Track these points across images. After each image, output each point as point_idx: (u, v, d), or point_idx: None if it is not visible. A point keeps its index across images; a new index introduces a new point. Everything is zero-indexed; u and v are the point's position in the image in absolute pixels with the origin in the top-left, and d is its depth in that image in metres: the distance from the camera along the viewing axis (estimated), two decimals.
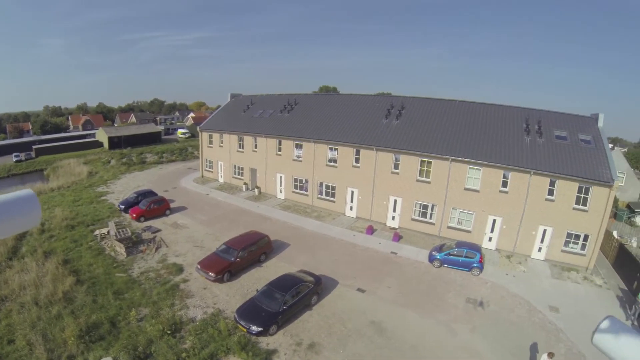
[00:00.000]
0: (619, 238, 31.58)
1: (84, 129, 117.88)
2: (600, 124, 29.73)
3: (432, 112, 34.76)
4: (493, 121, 31.86)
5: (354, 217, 35.54)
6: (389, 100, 38.74)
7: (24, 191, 2.82)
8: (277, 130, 40.27)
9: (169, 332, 17.81)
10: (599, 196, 25.60)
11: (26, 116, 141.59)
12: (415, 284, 23.75)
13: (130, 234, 28.37)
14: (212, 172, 48.93)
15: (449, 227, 30.94)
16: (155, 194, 37.04)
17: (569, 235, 26.92)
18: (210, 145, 47.88)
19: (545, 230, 27.52)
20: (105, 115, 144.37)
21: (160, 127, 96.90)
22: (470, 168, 29.25)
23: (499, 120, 31.89)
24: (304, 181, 38.68)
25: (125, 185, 45.82)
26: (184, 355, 16.33)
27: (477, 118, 32.60)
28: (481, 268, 25.18)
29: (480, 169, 28.89)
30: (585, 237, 26.46)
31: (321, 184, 37.35)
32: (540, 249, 27.92)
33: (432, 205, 31.38)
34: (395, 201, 33.06)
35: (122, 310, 19.67)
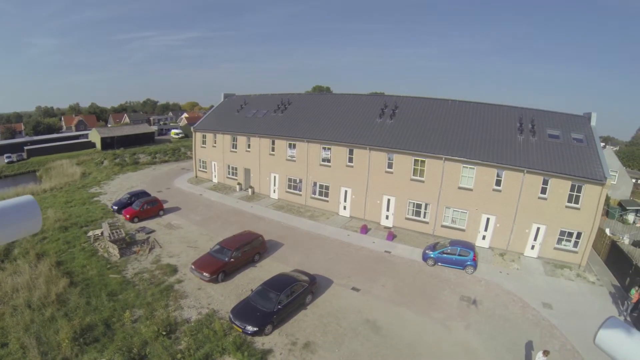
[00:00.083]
0: (611, 235, 31.94)
1: (76, 130, 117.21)
2: (593, 122, 29.98)
3: (426, 112, 34.88)
4: (486, 120, 32.02)
5: (348, 216, 35.59)
6: (382, 100, 38.82)
7: (24, 197, 2.81)
8: (270, 130, 40.23)
9: (163, 333, 17.73)
10: (591, 194, 25.82)
11: (18, 117, 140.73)
12: (410, 283, 23.83)
13: (123, 235, 28.22)
14: (205, 172, 48.78)
15: (442, 226, 31.07)
16: (149, 195, 36.86)
17: (562, 233, 27.14)
18: (204, 145, 47.72)
19: (538, 228, 27.72)
20: (98, 115, 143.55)
21: (154, 128, 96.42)
22: (464, 167, 29.38)
23: (493, 119, 32.05)
24: (297, 181, 38.67)
25: (119, 186, 45.54)
26: (179, 356, 16.27)
27: (470, 117, 32.74)
28: (475, 266, 25.32)
29: (474, 168, 29.03)
30: (578, 235, 26.69)
31: (315, 184, 37.36)
32: (533, 247, 28.12)
33: (426, 204, 31.49)
34: (389, 200, 33.14)
35: (116, 312, 19.54)
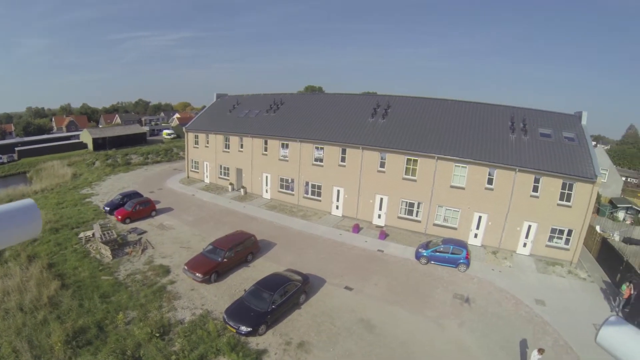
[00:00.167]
0: (601, 232, 32.27)
1: (68, 131, 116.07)
2: (584, 121, 30.26)
3: (419, 111, 35.00)
4: (479, 119, 32.21)
5: (340, 215, 35.63)
6: (375, 99, 38.91)
7: (25, 201, 2.79)
8: (263, 130, 40.16)
9: (157, 334, 17.62)
10: (582, 192, 26.09)
11: (8, 117, 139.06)
12: (403, 281, 23.91)
13: (115, 236, 28.03)
14: (197, 172, 48.57)
15: (435, 225, 31.20)
16: (141, 195, 36.63)
17: (554, 231, 27.39)
18: (196, 145, 47.52)
19: (530, 226, 27.94)
20: (90, 116, 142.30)
21: (146, 128, 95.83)
22: (456, 166, 29.53)
23: (485, 118, 32.25)
24: (290, 181, 38.64)
25: (110, 187, 45.22)
26: (173, 357, 16.19)
27: (463, 116, 32.92)
28: (467, 264, 25.46)
29: (466, 167, 29.18)
30: (569, 232, 26.95)
31: (307, 184, 37.36)
32: (525, 245, 28.34)
33: (418, 203, 31.60)
34: (382, 199, 33.22)
35: (109, 314, 19.39)
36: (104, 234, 27.95)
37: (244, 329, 17.63)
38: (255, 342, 17.63)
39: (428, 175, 30.57)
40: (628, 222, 40.28)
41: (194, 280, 22.64)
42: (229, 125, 43.84)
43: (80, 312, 19.63)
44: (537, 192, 27.38)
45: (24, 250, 26.49)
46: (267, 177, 40.39)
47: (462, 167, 29.34)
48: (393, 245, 29.28)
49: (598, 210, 40.42)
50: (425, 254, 26.19)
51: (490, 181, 28.63)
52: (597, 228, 33.19)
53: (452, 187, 29.94)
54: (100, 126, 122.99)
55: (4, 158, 67.68)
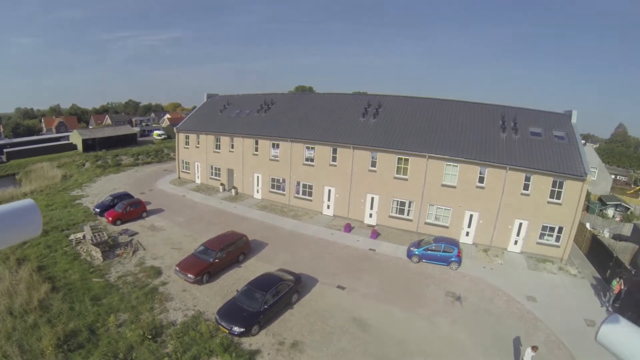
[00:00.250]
0: (591, 229, 32.64)
1: (57, 132, 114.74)
2: (574, 120, 30.58)
3: (410, 110, 35.12)
4: (470, 119, 32.40)
5: (332, 215, 35.64)
6: (366, 99, 39.00)
7: (25, 201, 2.78)
8: (254, 130, 40.05)
9: (149, 336, 17.46)
10: (572, 190, 26.37)
11: None
12: (395, 280, 23.98)
13: (106, 237, 27.75)
14: (188, 173, 48.31)
15: (426, 223, 31.33)
16: (132, 197, 36.32)
17: (544, 228, 27.65)
18: (187, 146, 47.26)
19: (521, 224, 28.17)
20: (80, 117, 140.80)
21: (136, 129, 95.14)
22: (447, 165, 29.67)
23: (476, 117, 32.45)
24: (281, 181, 38.58)
25: (101, 188, 44.81)
26: (166, 359, 16.10)
27: (454, 116, 33.10)
28: (459, 262, 25.60)
29: (457, 166, 29.34)
30: (560, 229, 27.22)
31: (298, 183, 37.34)
32: (516, 242, 28.57)
33: (410, 202, 31.70)
34: (373, 199, 33.29)
35: (100, 317, 19.18)
36: (95, 236, 27.66)
37: (236, 329, 17.56)
38: (248, 343, 17.57)
39: (419, 174, 30.68)
40: (617, 219, 40.78)
41: (185, 281, 22.50)
42: (220, 126, 43.67)
43: (71, 315, 19.40)
44: (527, 190, 27.61)
45: (13, 254, 26.12)
46: (258, 177, 40.29)
47: (453, 165, 29.48)
48: (385, 244, 29.34)
49: (588, 208, 40.85)
50: (417, 253, 26.27)
51: (481, 180, 28.81)
52: (587, 225, 33.60)
53: (443, 185, 30.08)
54: (90, 127, 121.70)
55: None
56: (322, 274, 24.27)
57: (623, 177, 73.37)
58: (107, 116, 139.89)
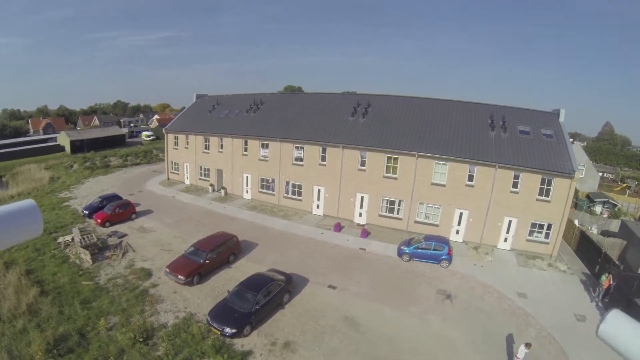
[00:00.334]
0: (580, 226, 33.05)
1: (44, 133, 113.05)
2: (562, 119, 30.97)
3: (399, 110, 35.26)
4: (459, 117, 32.63)
5: (321, 215, 35.65)
6: (355, 99, 39.06)
7: (26, 201, 2.77)
8: (243, 131, 39.91)
9: (140, 339, 17.29)
10: (560, 187, 26.69)
11: None
12: (386, 279, 24.06)
13: (95, 239, 27.46)
14: (178, 174, 47.98)
15: (416, 222, 31.47)
16: (121, 198, 35.92)
17: (533, 225, 27.95)
18: (176, 147, 46.92)
19: (510, 221, 28.43)
20: (67, 118, 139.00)
21: (124, 130, 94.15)
22: (436, 163, 29.83)
23: (465, 116, 32.70)
24: (270, 181, 38.49)
25: (89, 190, 44.31)
26: None
27: (443, 114, 33.30)
28: (450, 260, 25.75)
29: (446, 164, 29.51)
30: (549, 226, 27.54)
31: (287, 183, 37.28)
32: (506, 239, 28.83)
33: (400, 201, 31.83)
34: (362, 198, 33.35)
35: (90, 320, 18.94)
36: (84, 238, 27.36)
37: (228, 330, 17.48)
38: (240, 344, 17.50)
39: (409, 173, 30.80)
40: (605, 215, 41.34)
41: (176, 282, 22.34)
42: (209, 126, 43.45)
43: (60, 319, 19.12)
44: (517, 187, 27.87)
45: (1, 257, 25.76)
46: (247, 177, 40.16)
47: (443, 164, 29.65)
48: (375, 243, 29.42)
49: (576, 205, 41.36)
50: (407, 251, 26.38)
51: (470, 178, 29.01)
52: (576, 222, 34.03)
53: (433, 184, 30.24)
54: (78, 128, 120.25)
55: None
56: (313, 273, 24.26)
57: (610, 175, 74.46)
58: (95, 117, 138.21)
